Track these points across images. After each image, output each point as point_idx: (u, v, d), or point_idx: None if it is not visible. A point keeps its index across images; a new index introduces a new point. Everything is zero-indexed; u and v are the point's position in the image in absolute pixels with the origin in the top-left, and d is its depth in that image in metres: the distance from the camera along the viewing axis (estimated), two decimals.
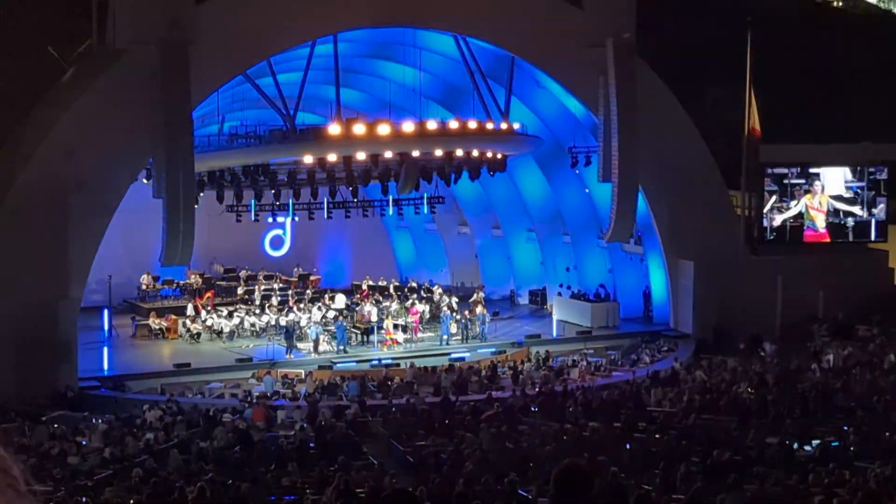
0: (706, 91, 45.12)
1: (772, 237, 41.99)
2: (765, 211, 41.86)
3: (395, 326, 39.03)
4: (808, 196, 41.85)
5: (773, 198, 41.89)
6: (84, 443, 26.78)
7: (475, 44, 39.05)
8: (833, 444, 24.02)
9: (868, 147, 42.01)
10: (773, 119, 43.00)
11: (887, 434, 24.73)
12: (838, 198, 41.93)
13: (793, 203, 41.87)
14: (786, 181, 41.93)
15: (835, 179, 42.09)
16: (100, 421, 29.10)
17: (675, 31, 46.00)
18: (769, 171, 41.85)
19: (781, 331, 40.40)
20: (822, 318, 40.75)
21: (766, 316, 40.35)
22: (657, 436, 25.08)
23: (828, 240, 42.16)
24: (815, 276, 40.94)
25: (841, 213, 42.01)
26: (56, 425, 28.48)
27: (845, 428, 25.64)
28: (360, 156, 37.11)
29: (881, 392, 28.87)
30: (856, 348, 36.26)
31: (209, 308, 41.08)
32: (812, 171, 41.97)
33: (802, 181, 41.92)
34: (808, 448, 24.22)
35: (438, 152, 38.37)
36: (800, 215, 41.91)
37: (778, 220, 41.93)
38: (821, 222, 42.00)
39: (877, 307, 39.76)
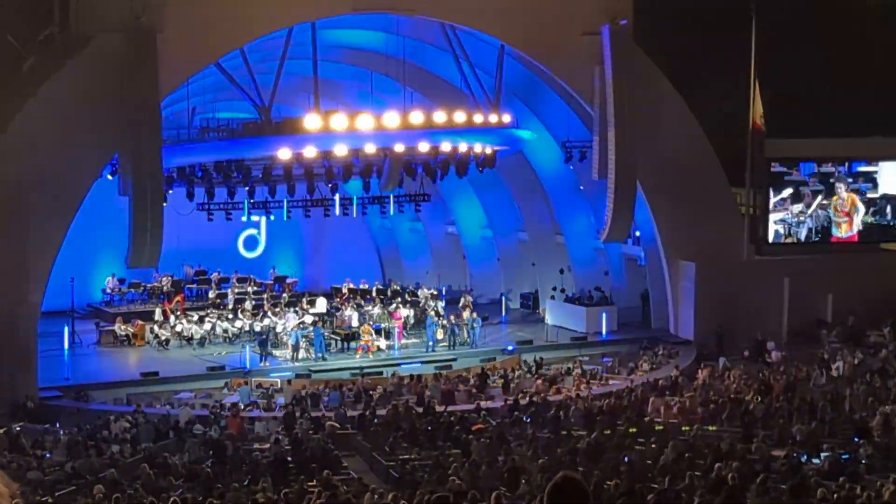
0: (709, 81, 45.14)
1: (817, 238, 42.05)
2: (809, 212, 41.92)
3: (378, 332, 39.00)
4: (835, 198, 41.95)
5: (819, 198, 41.98)
6: (48, 455, 26.69)
7: (462, 31, 39.05)
8: (843, 456, 24.08)
9: None
10: (785, 111, 43.13)
11: None
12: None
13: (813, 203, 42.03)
14: (832, 180, 42.04)
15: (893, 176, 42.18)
16: (62, 433, 29.01)
17: (675, 16, 46.00)
18: (816, 169, 41.94)
19: (788, 336, 40.52)
20: (831, 323, 40.87)
21: (772, 320, 40.45)
22: (655, 447, 25.11)
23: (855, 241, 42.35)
24: (823, 278, 41.04)
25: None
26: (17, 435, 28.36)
27: (856, 439, 25.71)
28: (341, 150, 37.08)
29: (894, 402, 28.95)
30: (867, 355, 36.39)
31: (178, 313, 40.99)
32: (865, 168, 42.01)
33: (851, 181, 42.01)
34: (816, 461, 24.28)
35: (424, 146, 38.36)
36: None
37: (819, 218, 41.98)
38: (846, 227, 42.02)
39: (889, 311, 39.88)
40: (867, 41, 47.99)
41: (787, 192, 42.05)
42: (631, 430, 27.22)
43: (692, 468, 22.61)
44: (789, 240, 42.16)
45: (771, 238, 41.89)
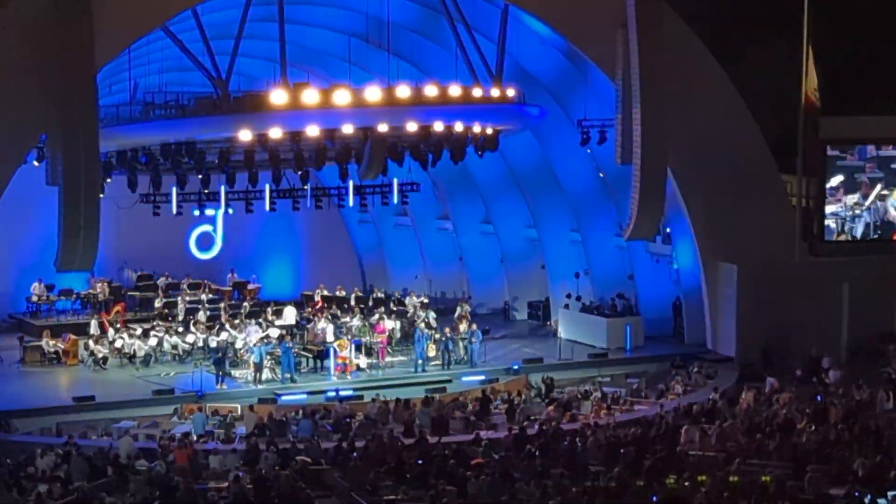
0: (753, 47, 45.21)
1: (876, 235, 42.08)
2: (866, 204, 41.94)
3: (358, 348, 39.00)
4: None
5: (878, 187, 42.00)
6: None
7: None
8: None
9: None
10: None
11: None
12: None
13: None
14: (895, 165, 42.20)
15: None
16: None
17: None
18: (875, 152, 41.92)
19: (848, 353, 40.53)
20: None
21: (829, 334, 40.46)
22: (689, 485, 25.13)
23: None
24: (890, 283, 41.05)
25: None
26: None
27: None
28: (312, 131, 37.05)
29: None
30: None
31: (118, 325, 40.95)
32: None
33: None
34: (882, 501, 24.31)
35: (412, 126, 38.35)
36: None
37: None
38: None
39: None
40: None
41: (838, 179, 42.08)
42: (660, 465, 27.22)
43: None
44: (842, 237, 42.18)
45: None
